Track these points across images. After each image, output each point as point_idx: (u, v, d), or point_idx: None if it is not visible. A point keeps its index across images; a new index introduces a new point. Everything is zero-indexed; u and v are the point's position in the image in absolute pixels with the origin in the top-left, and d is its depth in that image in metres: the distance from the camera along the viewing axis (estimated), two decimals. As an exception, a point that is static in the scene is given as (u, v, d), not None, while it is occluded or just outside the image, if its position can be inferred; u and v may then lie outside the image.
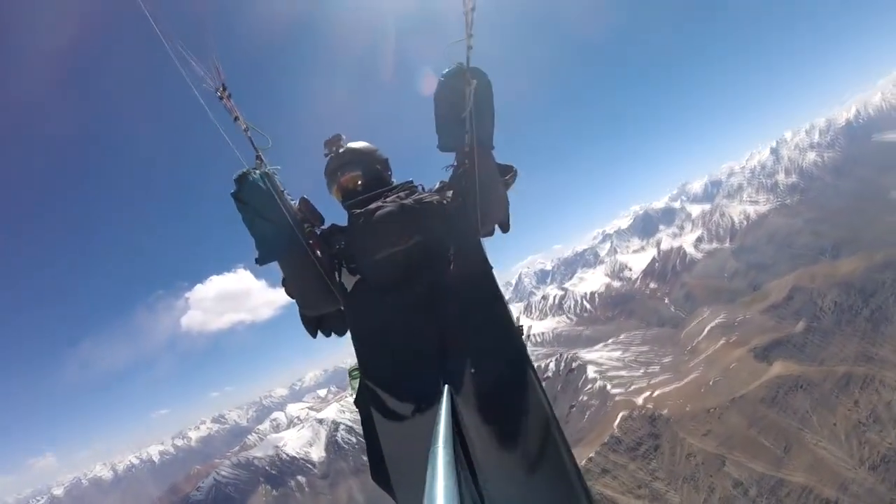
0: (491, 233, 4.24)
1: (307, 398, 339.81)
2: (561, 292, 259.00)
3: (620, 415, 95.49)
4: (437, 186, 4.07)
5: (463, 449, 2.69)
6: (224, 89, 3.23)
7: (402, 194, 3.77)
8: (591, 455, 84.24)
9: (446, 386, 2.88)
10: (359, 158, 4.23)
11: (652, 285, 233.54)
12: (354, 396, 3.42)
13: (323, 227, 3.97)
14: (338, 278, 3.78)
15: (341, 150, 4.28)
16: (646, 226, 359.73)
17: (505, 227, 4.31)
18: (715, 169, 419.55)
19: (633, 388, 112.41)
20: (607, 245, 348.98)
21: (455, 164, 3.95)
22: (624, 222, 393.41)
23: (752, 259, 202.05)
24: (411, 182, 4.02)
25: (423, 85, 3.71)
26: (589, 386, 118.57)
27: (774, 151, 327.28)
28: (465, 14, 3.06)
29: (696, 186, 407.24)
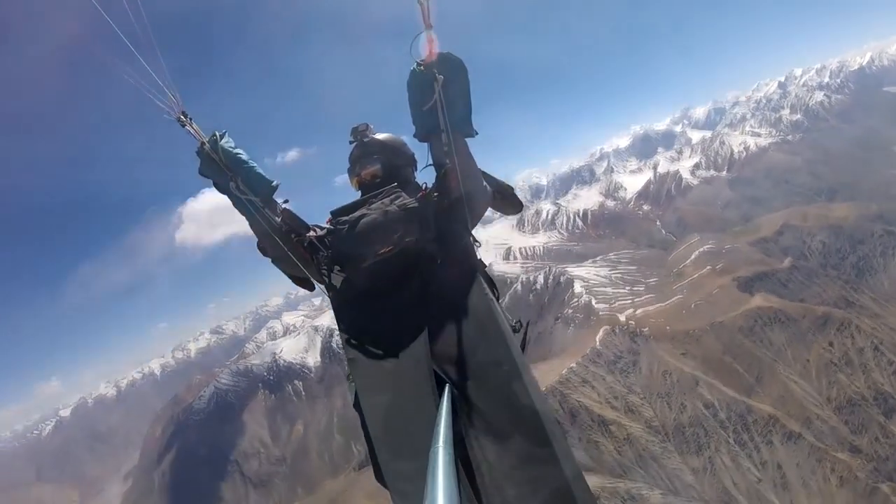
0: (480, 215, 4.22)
1: (302, 307, 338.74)
2: (554, 208, 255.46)
3: (603, 329, 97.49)
4: (426, 188, 4.05)
5: (463, 448, 2.90)
6: (185, 116, 3.47)
7: (386, 200, 3.73)
8: (572, 365, 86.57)
9: (447, 386, 2.97)
10: (381, 152, 4.24)
11: (645, 207, 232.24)
12: (353, 400, 3.49)
13: (314, 232, 3.94)
14: (328, 280, 3.80)
15: (366, 140, 4.28)
16: (645, 147, 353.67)
17: (516, 206, 4.54)
18: (720, 96, 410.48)
19: (616, 304, 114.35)
20: (604, 163, 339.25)
21: (431, 162, 4.00)
22: (623, 141, 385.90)
23: (747, 191, 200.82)
24: (396, 186, 3.90)
25: (422, 49, 3.53)
26: (575, 300, 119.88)
27: (782, 86, 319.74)
28: (421, 4, 3.13)
29: (700, 112, 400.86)
